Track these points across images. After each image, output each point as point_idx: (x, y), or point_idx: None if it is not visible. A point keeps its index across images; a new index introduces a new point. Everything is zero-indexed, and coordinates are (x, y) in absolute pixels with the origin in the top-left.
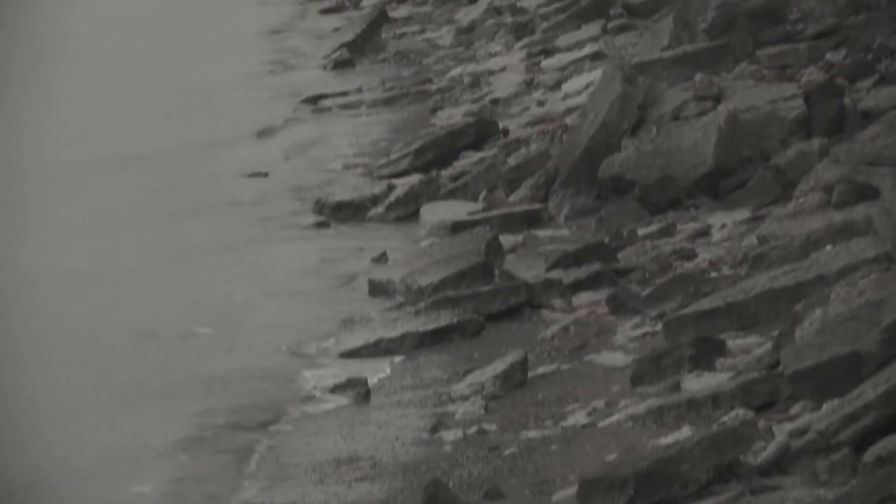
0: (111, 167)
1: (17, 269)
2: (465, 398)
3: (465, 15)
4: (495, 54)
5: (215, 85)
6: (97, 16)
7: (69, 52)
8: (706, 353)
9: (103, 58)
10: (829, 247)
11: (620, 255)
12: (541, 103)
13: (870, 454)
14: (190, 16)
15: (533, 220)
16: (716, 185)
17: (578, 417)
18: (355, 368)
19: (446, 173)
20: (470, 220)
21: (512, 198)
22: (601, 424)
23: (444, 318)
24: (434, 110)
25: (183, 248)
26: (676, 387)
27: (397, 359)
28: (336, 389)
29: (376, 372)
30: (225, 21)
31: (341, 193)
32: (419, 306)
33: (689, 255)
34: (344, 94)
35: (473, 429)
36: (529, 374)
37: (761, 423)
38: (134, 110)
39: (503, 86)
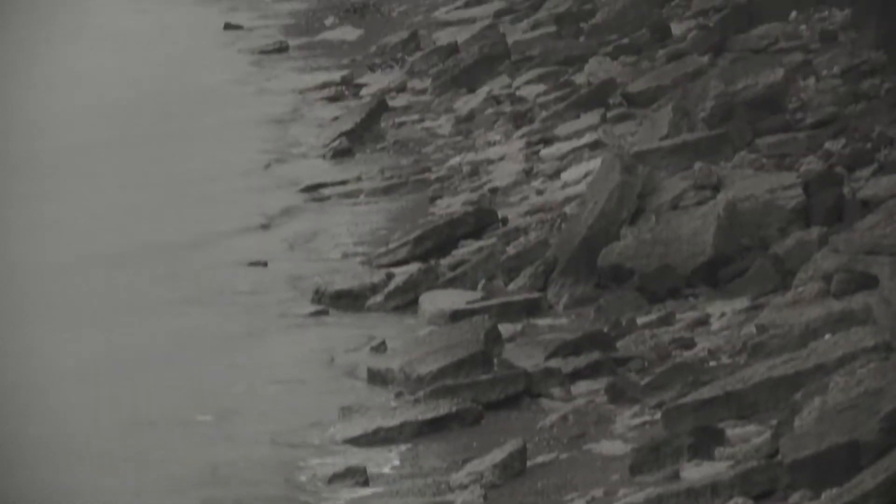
0: (110, 260)
1: (19, 359)
2: (464, 487)
3: (465, 104)
4: (494, 143)
5: (214, 175)
6: (92, 105)
7: (66, 144)
8: (705, 442)
9: (101, 149)
10: (828, 336)
11: (619, 343)
12: (540, 192)
13: None
14: (189, 106)
15: (532, 308)
16: (715, 274)
17: None
18: (354, 457)
19: (445, 262)
20: (469, 309)
21: (511, 286)
22: None
23: (443, 407)
24: (433, 199)
25: (182, 337)
26: (675, 476)
27: (396, 448)
28: (335, 478)
29: (375, 461)
30: (224, 111)
31: (340, 282)
32: (418, 395)
33: (689, 344)
34: (343, 182)
35: None
36: (528, 463)
37: None
38: (133, 202)
39: (502, 175)
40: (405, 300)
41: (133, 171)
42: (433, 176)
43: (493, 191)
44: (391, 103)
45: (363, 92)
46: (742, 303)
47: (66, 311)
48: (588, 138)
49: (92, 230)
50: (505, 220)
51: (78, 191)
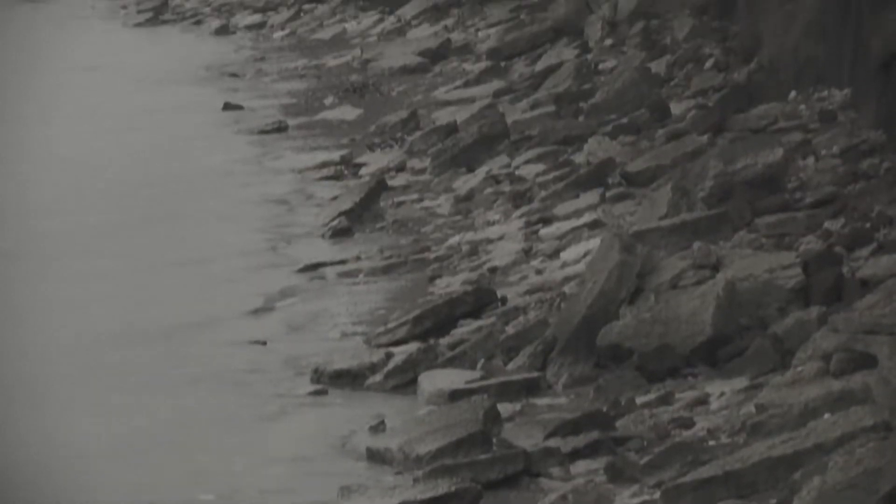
0: (109, 341)
1: (19, 438)
2: None
3: (464, 184)
4: (493, 223)
5: (212, 255)
6: (88, 186)
7: (64, 225)
8: None
9: (98, 230)
10: (827, 415)
11: (619, 423)
12: (539, 272)
13: None
14: (187, 186)
15: (531, 388)
16: (714, 354)
17: None
18: None
19: (444, 342)
20: (468, 389)
21: (510, 366)
22: None
23: (442, 487)
24: (432, 279)
25: (182, 416)
26: None
27: None
28: None
29: None
30: (222, 191)
31: (339, 362)
32: (417, 474)
33: (688, 424)
34: (342, 262)
35: None
36: None
37: None
38: (132, 284)
39: (501, 254)
40: (404, 379)
41: (131, 252)
42: (432, 255)
43: (493, 270)
44: (390, 183)
45: (362, 171)
46: (741, 382)
47: (65, 392)
48: (587, 218)
49: (90, 312)
50: (504, 300)
51: (77, 272)
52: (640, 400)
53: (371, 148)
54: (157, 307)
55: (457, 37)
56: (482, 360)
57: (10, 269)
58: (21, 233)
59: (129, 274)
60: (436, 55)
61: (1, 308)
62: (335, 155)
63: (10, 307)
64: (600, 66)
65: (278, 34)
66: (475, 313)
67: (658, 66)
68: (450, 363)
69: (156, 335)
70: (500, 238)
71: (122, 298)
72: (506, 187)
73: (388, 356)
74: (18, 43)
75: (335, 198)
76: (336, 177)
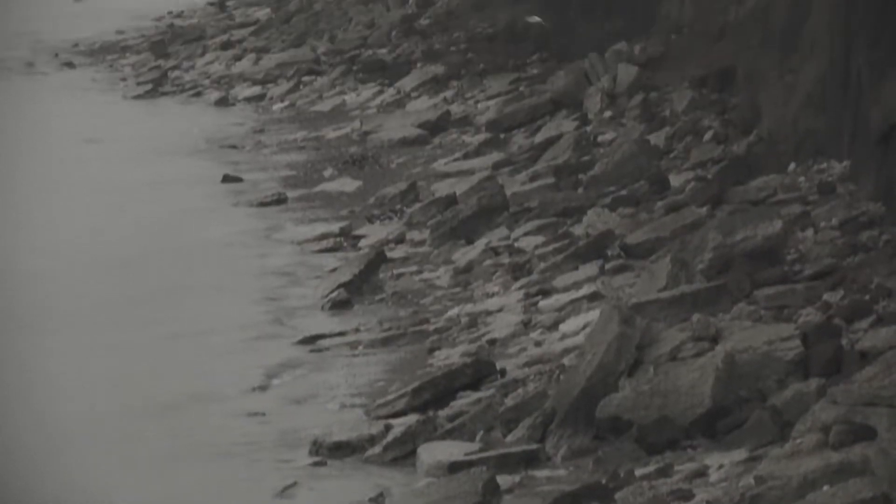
0: (110, 418)
1: None
2: None
3: (463, 255)
4: (493, 295)
5: (211, 328)
6: (87, 260)
7: (62, 300)
8: None
9: (98, 305)
10: (826, 487)
11: (618, 495)
12: (538, 344)
13: None
14: (186, 259)
15: (530, 460)
16: (713, 426)
17: None
18: None
19: (443, 413)
20: (467, 461)
21: (509, 438)
22: None
23: None
24: (431, 350)
25: (181, 490)
26: None
27: None
28: None
29: None
30: (221, 263)
31: (338, 433)
32: None
33: (687, 496)
34: (341, 334)
35: None
36: None
37: None
38: (132, 357)
39: (500, 326)
40: (403, 451)
41: (132, 325)
42: (431, 327)
43: (492, 342)
44: (390, 254)
45: (362, 243)
46: (740, 454)
47: (66, 466)
48: (586, 290)
49: (91, 386)
50: (503, 372)
51: (78, 346)
52: (639, 472)
53: (370, 220)
54: (158, 380)
55: (456, 109)
56: (481, 432)
57: (12, 341)
58: (21, 305)
59: (129, 347)
60: (435, 127)
61: (2, 379)
62: (334, 227)
63: (10, 379)
64: (599, 138)
65: (278, 106)
66: (474, 385)
67: (657, 139)
68: (449, 435)
69: (155, 409)
70: (500, 310)
71: (123, 372)
72: (505, 259)
73: (388, 428)
74: (19, 115)
75: (334, 270)
76: (335, 249)
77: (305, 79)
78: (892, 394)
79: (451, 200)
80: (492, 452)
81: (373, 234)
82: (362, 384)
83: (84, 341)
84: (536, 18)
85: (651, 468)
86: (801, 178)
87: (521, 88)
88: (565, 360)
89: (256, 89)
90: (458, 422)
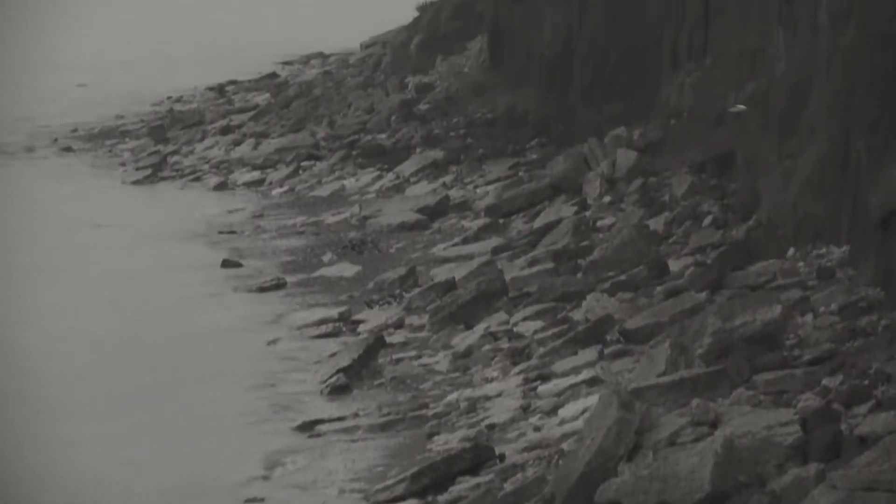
0: None
1: None
2: None
3: (462, 340)
4: (492, 379)
5: (211, 414)
6: (88, 347)
7: (69, 390)
8: None
9: (102, 394)
10: None
11: None
12: (537, 429)
13: None
14: (186, 345)
15: None
16: None
17: None
18: None
19: (443, 499)
20: None
21: None
22: None
23: None
24: (430, 435)
25: None
26: None
27: None
28: None
29: None
30: (220, 349)
31: None
32: None
33: None
34: (341, 419)
35: None
36: None
37: None
38: (136, 448)
39: (500, 411)
40: None
41: (133, 414)
42: (430, 412)
43: (491, 427)
44: (389, 339)
45: (361, 328)
46: None
47: None
48: (585, 375)
49: (93, 476)
50: (502, 457)
51: (77, 437)
52: None
53: (370, 305)
54: (159, 468)
55: (455, 194)
56: None
57: (16, 421)
58: (20, 394)
59: (131, 435)
60: (434, 212)
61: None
62: (333, 312)
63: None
64: (599, 224)
65: (277, 191)
66: (473, 470)
67: (656, 224)
68: None
69: (158, 497)
70: (499, 395)
71: (125, 460)
72: (504, 344)
73: None
74: (19, 200)
75: (333, 354)
76: (334, 334)
77: (305, 164)
78: (892, 478)
79: (450, 285)
80: None
81: (372, 318)
82: (361, 469)
83: (85, 431)
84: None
85: None
86: (801, 263)
87: (521, 173)
88: (564, 445)
89: (256, 174)
90: None
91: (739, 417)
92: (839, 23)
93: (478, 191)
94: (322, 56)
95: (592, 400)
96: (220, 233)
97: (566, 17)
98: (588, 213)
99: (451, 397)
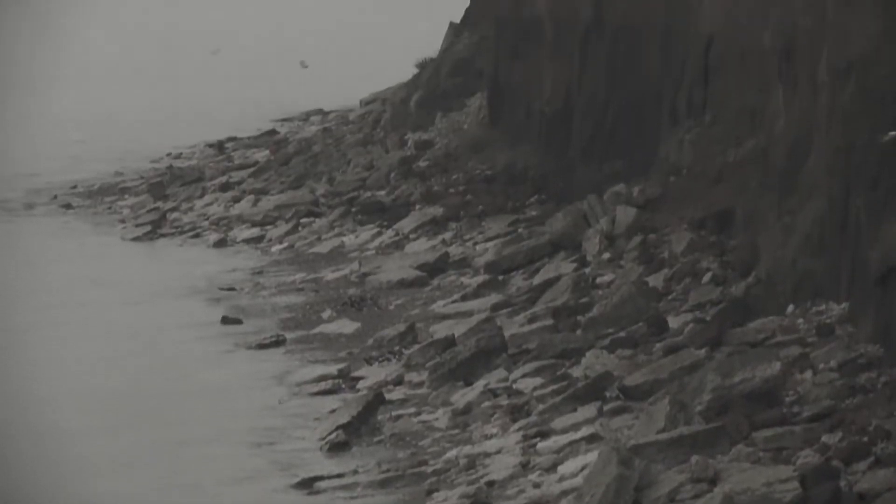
0: None
1: None
2: None
3: (462, 397)
4: (491, 436)
5: (210, 472)
6: (86, 406)
7: (59, 455)
8: None
9: (108, 455)
10: None
11: None
12: (537, 485)
13: None
14: (184, 403)
15: None
16: None
17: None
18: None
19: None
20: None
21: None
22: None
23: None
24: (430, 492)
25: None
26: None
27: None
28: None
29: None
30: (219, 406)
31: None
32: None
33: None
34: (340, 476)
35: None
36: None
37: None
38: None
39: (499, 468)
40: None
41: (133, 476)
42: (430, 469)
43: (490, 484)
44: (388, 396)
45: (360, 385)
46: None
47: None
48: (585, 431)
49: None
50: None
51: (85, 495)
52: None
53: (369, 361)
54: None
55: (455, 250)
56: None
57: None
58: (21, 458)
59: (135, 496)
60: (434, 269)
61: None
62: (333, 368)
63: None
64: (598, 280)
65: (276, 248)
66: None
67: (656, 280)
68: None
69: None
70: (498, 451)
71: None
72: (503, 401)
73: None
74: (22, 255)
75: (333, 411)
76: (334, 390)
77: (304, 220)
78: None
79: (449, 342)
80: None
81: (371, 375)
82: None
83: (87, 490)
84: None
85: None
86: (800, 320)
87: (520, 230)
88: (564, 502)
89: (255, 231)
90: None
91: (739, 474)
92: (839, 80)
93: (477, 247)
94: (321, 113)
95: (592, 457)
96: (220, 289)
97: (566, 75)
98: (587, 270)
99: (451, 454)
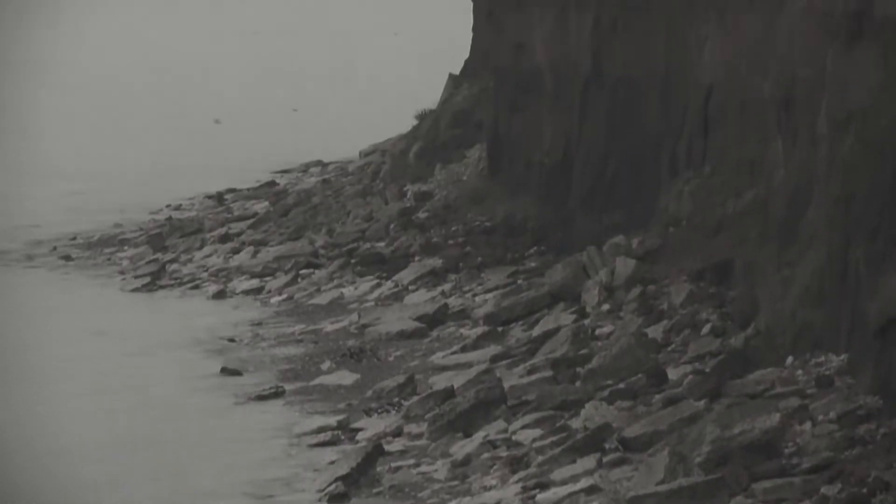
0: None
1: None
2: None
3: (461, 448)
4: (490, 488)
5: None
6: (101, 472)
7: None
8: None
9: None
10: None
11: None
12: None
13: None
14: (182, 455)
15: None
16: None
17: None
18: None
19: None
20: None
21: None
22: None
23: None
24: None
25: None
26: None
27: None
28: None
29: None
30: (217, 459)
31: None
32: None
33: None
34: None
35: None
36: None
37: None
38: None
39: None
40: None
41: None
42: None
43: None
44: (387, 447)
45: (359, 436)
46: None
47: None
48: (584, 483)
49: None
50: None
51: None
52: None
53: (368, 413)
54: None
55: (454, 302)
56: None
57: None
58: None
59: None
60: (433, 320)
61: None
62: (332, 420)
63: None
64: (597, 332)
65: (276, 299)
66: None
67: (655, 332)
68: None
69: None
70: (498, 503)
71: None
72: (503, 452)
73: None
74: (22, 307)
75: (332, 463)
76: (333, 442)
77: (303, 272)
78: None
79: (448, 393)
80: None
81: (370, 427)
82: None
83: None
84: None
85: None
86: (799, 372)
87: (519, 281)
88: None
89: (254, 282)
90: None
91: None
92: (838, 132)
93: (476, 299)
94: (321, 164)
95: None
96: (220, 340)
97: (565, 126)
98: (587, 322)
99: None
